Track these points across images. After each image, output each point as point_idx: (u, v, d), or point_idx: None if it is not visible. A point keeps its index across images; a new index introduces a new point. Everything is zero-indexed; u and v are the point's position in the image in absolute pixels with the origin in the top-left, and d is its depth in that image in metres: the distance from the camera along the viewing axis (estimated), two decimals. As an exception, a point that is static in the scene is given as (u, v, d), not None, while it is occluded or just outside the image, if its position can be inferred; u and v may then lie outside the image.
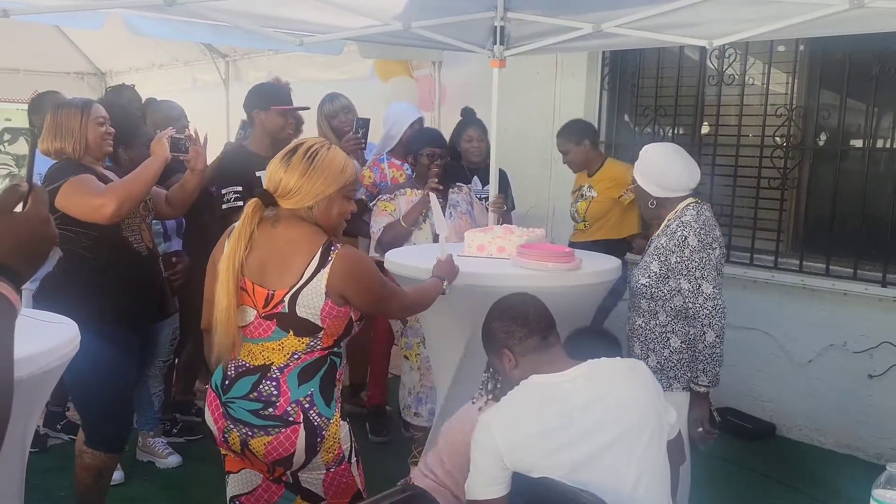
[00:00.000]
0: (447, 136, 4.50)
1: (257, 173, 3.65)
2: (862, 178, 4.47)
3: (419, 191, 3.96)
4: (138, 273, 3.23)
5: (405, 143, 4.41)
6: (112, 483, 3.49)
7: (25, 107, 4.75)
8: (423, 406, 4.05)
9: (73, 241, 3.04)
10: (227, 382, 2.30)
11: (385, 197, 4.01)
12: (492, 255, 3.15)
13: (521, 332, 2.22)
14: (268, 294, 2.21)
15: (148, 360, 3.70)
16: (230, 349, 2.24)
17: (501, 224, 4.25)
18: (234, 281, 2.20)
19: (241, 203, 3.54)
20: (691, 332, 2.80)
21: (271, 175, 2.23)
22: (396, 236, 3.85)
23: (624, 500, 2.00)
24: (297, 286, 2.19)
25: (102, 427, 3.16)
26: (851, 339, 4.42)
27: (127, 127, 3.39)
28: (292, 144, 2.28)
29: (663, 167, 2.90)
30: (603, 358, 2.19)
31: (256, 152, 3.71)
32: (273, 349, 2.25)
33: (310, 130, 4.48)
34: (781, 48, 4.73)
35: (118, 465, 3.73)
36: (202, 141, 3.37)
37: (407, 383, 4.03)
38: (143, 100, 4.71)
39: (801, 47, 4.66)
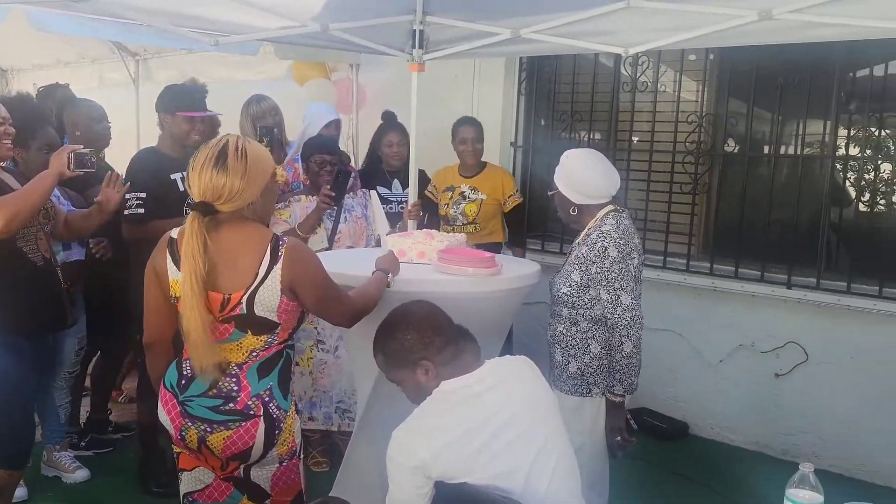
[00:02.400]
0: (368, 139, 4.47)
1: (171, 176, 3.54)
2: (768, 183, 4.63)
3: (314, 197, 3.94)
4: (34, 283, 3.09)
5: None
6: (14, 501, 3.33)
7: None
8: (317, 410, 4.03)
9: None
10: (183, 382, 2.31)
11: (280, 205, 3.96)
12: (412, 260, 3.13)
13: (439, 341, 2.21)
14: (223, 298, 2.22)
15: (51, 372, 3.54)
16: (214, 365, 2.23)
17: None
18: (203, 299, 2.17)
19: (140, 210, 3.44)
20: (611, 339, 2.84)
21: (208, 184, 2.18)
22: None
23: (541, 497, 2.02)
24: (253, 286, 2.21)
25: (2, 442, 3.01)
26: (759, 339, 4.57)
27: (23, 128, 3.22)
28: (213, 149, 2.22)
29: (584, 174, 2.92)
30: (503, 356, 2.26)
31: (169, 154, 3.61)
32: (231, 349, 2.29)
33: (233, 130, 4.37)
34: (692, 57, 4.87)
35: (21, 482, 3.57)
36: (118, 184, 3.28)
37: (296, 391, 3.96)
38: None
39: (711, 56, 4.80)
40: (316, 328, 3.97)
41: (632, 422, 2.89)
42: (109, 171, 3.44)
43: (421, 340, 2.19)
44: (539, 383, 2.23)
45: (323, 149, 4.03)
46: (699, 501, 4.00)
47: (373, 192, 3.55)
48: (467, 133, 4.59)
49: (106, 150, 4.41)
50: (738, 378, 4.68)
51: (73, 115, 4.24)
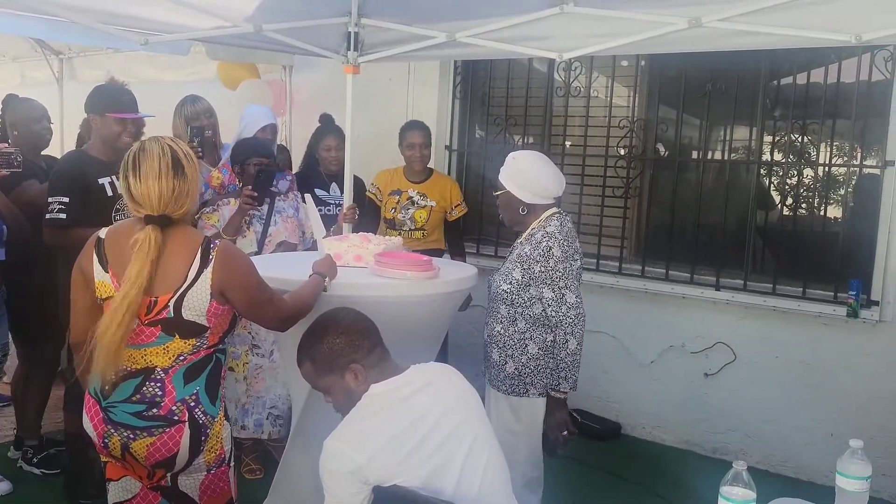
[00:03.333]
0: (301, 142, 4.42)
1: (100, 180, 3.43)
2: (697, 187, 4.75)
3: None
4: None
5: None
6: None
7: None
8: (248, 418, 3.97)
9: None
10: (106, 387, 2.24)
11: (208, 210, 3.91)
12: (349, 263, 3.10)
13: (368, 344, 2.22)
14: (150, 301, 2.17)
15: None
16: (112, 372, 2.15)
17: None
18: (132, 314, 2.12)
19: (62, 216, 3.33)
20: (549, 339, 2.86)
21: (170, 194, 2.15)
22: None
23: (471, 501, 2.04)
24: (182, 289, 2.17)
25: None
26: (689, 340, 4.68)
27: None
28: (164, 157, 2.16)
29: (535, 174, 2.95)
30: (426, 362, 2.30)
31: (97, 157, 3.50)
32: (157, 353, 2.23)
33: (165, 131, 4.27)
34: (624, 63, 4.95)
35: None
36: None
37: (230, 397, 3.88)
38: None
39: (643, 63, 4.89)
40: (250, 332, 3.91)
41: (576, 415, 2.92)
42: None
43: (350, 344, 2.19)
44: (464, 385, 2.25)
45: (260, 152, 3.98)
46: (633, 500, 4.07)
47: (308, 196, 3.51)
48: (415, 138, 4.57)
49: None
50: (668, 378, 4.78)
51: (12, 114, 4.09)
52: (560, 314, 2.81)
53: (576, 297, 2.83)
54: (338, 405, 2.25)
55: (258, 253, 3.88)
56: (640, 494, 4.11)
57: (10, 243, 3.71)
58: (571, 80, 5.11)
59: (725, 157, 4.70)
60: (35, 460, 4.03)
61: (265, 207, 3.98)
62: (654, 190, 5.00)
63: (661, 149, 4.99)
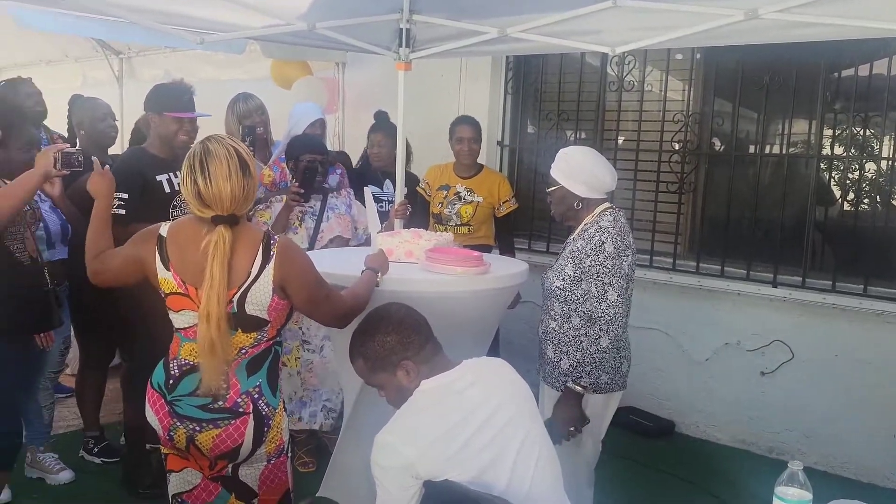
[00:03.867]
0: (353, 138, 4.45)
1: (157, 177, 3.51)
2: (754, 182, 4.66)
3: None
4: (20, 283, 3.06)
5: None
6: (-2, 503, 3.30)
7: None
8: (305, 410, 4.02)
9: None
10: (171, 382, 2.30)
11: (261, 207, 3.96)
12: (400, 259, 3.12)
13: (419, 341, 2.21)
14: None
15: (35, 372, 3.49)
16: (220, 380, 2.22)
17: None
18: (224, 322, 2.16)
19: (121, 212, 3.40)
20: (591, 332, 2.85)
21: (239, 193, 2.18)
22: None
23: (523, 496, 2.03)
24: (245, 285, 2.21)
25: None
26: (745, 337, 4.59)
27: (4, 127, 3.16)
28: (230, 158, 2.19)
29: (591, 168, 2.93)
30: (479, 357, 2.29)
31: (155, 154, 3.57)
32: None
33: (217, 128, 4.35)
34: (679, 56, 4.88)
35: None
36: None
37: (285, 390, 3.95)
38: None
39: (698, 56, 4.82)
40: (301, 328, 3.96)
41: (586, 414, 2.88)
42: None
43: (401, 341, 2.20)
44: (517, 380, 2.24)
45: (312, 149, 4.02)
46: (686, 499, 4.02)
47: (367, 191, 3.55)
48: (464, 132, 4.57)
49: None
50: (723, 376, 4.70)
51: (78, 114, 4.22)
52: (599, 310, 2.79)
53: (618, 295, 2.79)
54: (390, 400, 2.26)
55: (310, 249, 3.92)
56: (693, 493, 4.06)
57: (74, 242, 3.83)
58: (625, 74, 5.06)
59: (783, 152, 4.60)
60: (95, 450, 4.14)
61: (318, 204, 4.03)
62: (710, 185, 4.92)
63: (717, 143, 4.90)
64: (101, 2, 3.37)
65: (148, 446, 3.61)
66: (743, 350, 4.61)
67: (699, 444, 4.75)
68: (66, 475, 3.88)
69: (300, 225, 3.99)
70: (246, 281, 2.21)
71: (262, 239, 2.25)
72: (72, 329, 4.16)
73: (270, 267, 2.22)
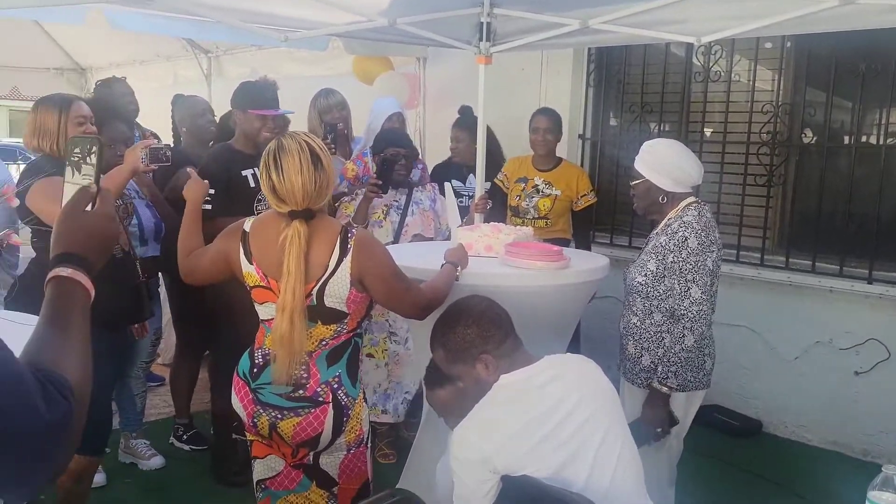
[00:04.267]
0: (434, 133, 4.47)
1: (243, 172, 3.59)
2: (848, 174, 4.48)
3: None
4: (112, 275, 3.15)
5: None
6: (93, 486, 3.43)
7: (5, 103, 4.67)
8: (388, 402, 4.06)
9: (47, 240, 2.99)
10: (255, 370, 2.39)
11: (346, 199, 4.03)
12: (479, 253, 3.11)
13: (500, 335, 2.19)
14: None
15: (128, 362, 3.62)
16: (292, 370, 2.28)
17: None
18: (302, 315, 2.23)
19: (208, 207, 3.49)
20: (675, 330, 2.79)
21: (311, 187, 2.22)
22: None
23: (602, 494, 2.00)
24: (324, 278, 2.26)
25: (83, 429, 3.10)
26: (837, 336, 4.43)
27: (98, 126, 3.28)
28: (302, 152, 2.24)
29: (678, 160, 2.88)
30: (561, 353, 2.26)
31: (241, 150, 3.66)
32: None
33: (300, 124, 4.43)
34: (768, 45, 4.73)
35: (100, 468, 3.68)
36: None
37: (371, 383, 4.00)
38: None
39: (788, 44, 4.66)
40: (388, 320, 4.00)
41: (675, 415, 2.82)
42: (157, 139, 3.46)
43: (481, 334, 2.18)
44: (599, 377, 2.20)
45: (395, 142, 4.06)
46: (773, 500, 3.91)
47: (447, 185, 3.57)
48: (540, 123, 4.52)
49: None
50: (815, 375, 4.54)
51: (179, 111, 4.39)
52: (682, 308, 2.73)
53: (702, 292, 2.72)
54: (469, 392, 2.26)
55: (394, 243, 3.96)
56: (782, 495, 3.94)
57: (168, 238, 3.96)
58: (711, 64, 4.93)
59: (880, 142, 4.41)
60: (185, 437, 4.28)
61: (403, 198, 4.06)
62: (800, 177, 4.75)
63: (809, 134, 4.73)
64: (188, 2, 3.47)
65: (234, 436, 3.71)
66: (835, 349, 4.44)
67: (787, 445, 4.61)
68: (157, 461, 4.02)
69: (385, 219, 4.03)
70: (324, 274, 2.25)
71: (340, 232, 2.29)
72: (162, 320, 4.31)
73: (348, 260, 2.26)
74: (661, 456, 2.90)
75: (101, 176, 1.35)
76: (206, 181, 2.91)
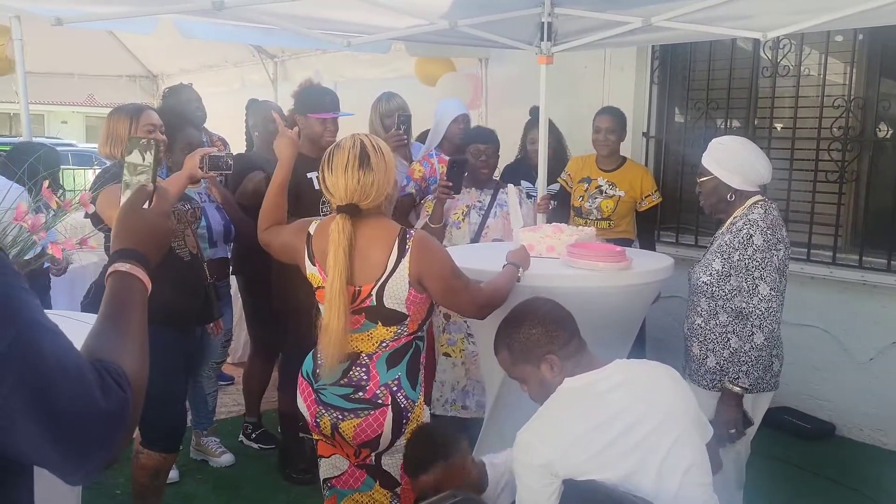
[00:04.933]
0: (500, 134, 4.47)
1: (308, 175, 3.66)
2: (925, 170, 4.33)
3: (468, 190, 4.03)
4: (181, 277, 3.25)
5: (450, 139, 4.44)
6: (168, 482, 3.54)
7: (81, 109, 4.85)
8: (470, 399, 4.08)
9: None
10: (317, 371, 2.43)
11: (430, 197, 4.05)
12: (541, 254, 3.11)
13: (565, 336, 2.18)
14: (354, 290, 2.32)
15: (199, 362, 3.72)
16: (339, 358, 2.32)
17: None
18: (345, 305, 2.27)
19: None
20: (744, 329, 2.74)
21: (356, 185, 2.27)
22: None
23: (671, 496, 1.97)
24: (383, 279, 2.29)
25: (156, 427, 3.20)
26: (915, 336, 4.28)
27: (169, 133, 3.37)
28: (353, 150, 2.29)
29: (748, 157, 2.84)
30: (629, 359, 2.24)
31: (305, 154, 3.72)
32: (362, 339, 2.37)
33: (361, 126, 4.48)
34: (839, 38, 4.60)
35: (174, 465, 3.79)
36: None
37: (448, 380, 4.04)
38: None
39: (860, 37, 4.52)
40: (465, 321, 4.01)
41: (749, 415, 2.77)
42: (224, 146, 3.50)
43: (547, 334, 2.17)
44: (670, 384, 2.14)
45: (478, 139, 4.09)
46: (847, 506, 3.81)
47: (510, 187, 3.58)
48: (602, 122, 4.47)
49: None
50: (890, 377, 4.39)
51: (253, 116, 4.51)
52: (751, 305, 2.68)
53: (771, 289, 2.67)
54: (533, 394, 2.25)
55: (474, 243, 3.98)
56: (855, 500, 3.82)
57: (240, 241, 4.06)
58: (779, 58, 4.81)
59: (958, 136, 4.26)
60: (253, 436, 4.37)
61: (487, 199, 4.07)
62: (874, 173, 4.61)
63: (883, 128, 4.59)
64: (255, 10, 3.55)
65: (301, 435, 3.78)
66: (912, 350, 4.30)
67: (862, 449, 4.47)
68: (227, 458, 4.12)
69: (464, 220, 4.03)
70: (382, 275, 2.29)
71: (399, 233, 2.32)
72: (233, 321, 4.40)
73: (406, 260, 2.29)
74: (729, 458, 2.85)
75: (158, 176, 1.41)
76: (296, 138, 2.88)
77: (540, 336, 2.18)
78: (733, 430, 2.74)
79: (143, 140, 1.42)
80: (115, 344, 1.18)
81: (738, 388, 2.72)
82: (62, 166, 5.94)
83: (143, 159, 1.40)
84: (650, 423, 2.02)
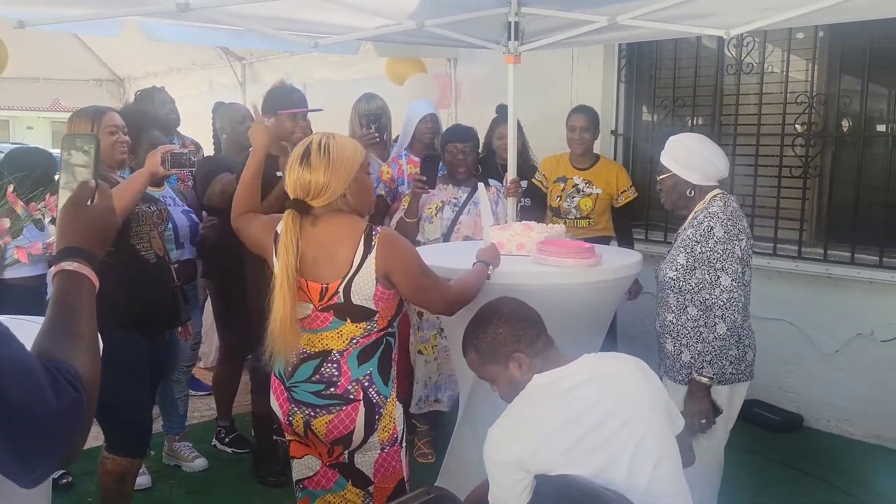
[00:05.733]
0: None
1: (277, 174, 3.65)
2: (886, 163, 4.41)
3: (444, 185, 4.10)
4: (147, 280, 3.22)
5: (419, 139, 4.46)
6: (139, 487, 3.50)
7: (47, 115, 4.79)
8: (442, 393, 4.11)
9: None
10: (290, 369, 2.43)
11: (406, 192, 4.08)
12: (511, 252, 3.13)
13: (532, 334, 2.19)
14: (322, 288, 2.33)
15: (168, 366, 3.68)
16: (291, 352, 2.35)
17: (520, 205, 4.28)
18: (291, 294, 2.29)
19: None
20: (707, 320, 2.78)
21: (297, 181, 2.31)
22: (405, 231, 3.89)
23: (640, 495, 1.99)
24: (349, 275, 2.30)
25: (120, 432, 3.17)
26: (879, 327, 4.36)
27: (132, 134, 3.33)
28: (300, 148, 2.34)
29: (705, 153, 2.88)
30: (597, 352, 2.23)
31: (272, 154, 3.71)
32: (332, 337, 2.37)
33: (341, 127, 4.48)
34: (801, 35, 4.67)
35: (145, 470, 3.76)
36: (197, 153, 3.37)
37: (422, 377, 4.07)
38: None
39: (821, 33, 4.59)
40: (438, 317, 4.02)
41: (718, 405, 2.80)
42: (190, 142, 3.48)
43: (513, 333, 2.18)
44: (641, 378, 2.14)
45: (456, 137, 4.11)
46: (816, 496, 3.85)
47: (481, 184, 3.61)
48: (576, 121, 4.50)
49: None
50: (856, 369, 4.48)
51: (220, 119, 4.47)
52: (713, 297, 2.73)
53: (732, 280, 2.72)
54: (503, 394, 2.26)
55: (445, 241, 3.99)
56: (825, 490, 3.89)
57: (207, 244, 4.03)
58: (743, 56, 4.88)
59: (918, 130, 4.34)
60: (227, 440, 4.34)
61: (465, 195, 4.09)
62: (837, 168, 4.68)
63: (846, 124, 4.66)
64: (221, 12, 3.53)
65: (275, 437, 3.77)
66: (877, 341, 4.37)
67: (830, 439, 4.55)
68: (200, 463, 4.09)
69: (437, 214, 4.06)
70: (349, 272, 2.30)
71: (364, 230, 2.33)
72: (205, 325, 4.37)
73: (372, 257, 2.30)
74: (703, 447, 2.86)
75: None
76: (268, 127, 2.94)
77: (507, 335, 2.18)
78: (703, 420, 2.78)
79: (79, 137, 1.39)
80: (65, 344, 1.18)
81: (705, 379, 2.76)
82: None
83: (84, 155, 1.37)
84: (618, 418, 2.03)
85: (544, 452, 1.99)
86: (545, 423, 2.04)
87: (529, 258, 3.05)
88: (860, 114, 4.50)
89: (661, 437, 2.07)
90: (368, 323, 2.36)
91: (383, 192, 4.26)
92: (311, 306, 2.35)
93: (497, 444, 2.05)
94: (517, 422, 2.09)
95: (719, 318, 2.72)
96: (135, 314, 3.16)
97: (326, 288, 2.32)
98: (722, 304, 2.72)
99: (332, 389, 2.36)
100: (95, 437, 4.20)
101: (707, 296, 2.75)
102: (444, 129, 4.77)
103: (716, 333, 2.73)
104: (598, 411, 2.03)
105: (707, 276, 2.75)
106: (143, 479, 3.71)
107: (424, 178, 3.88)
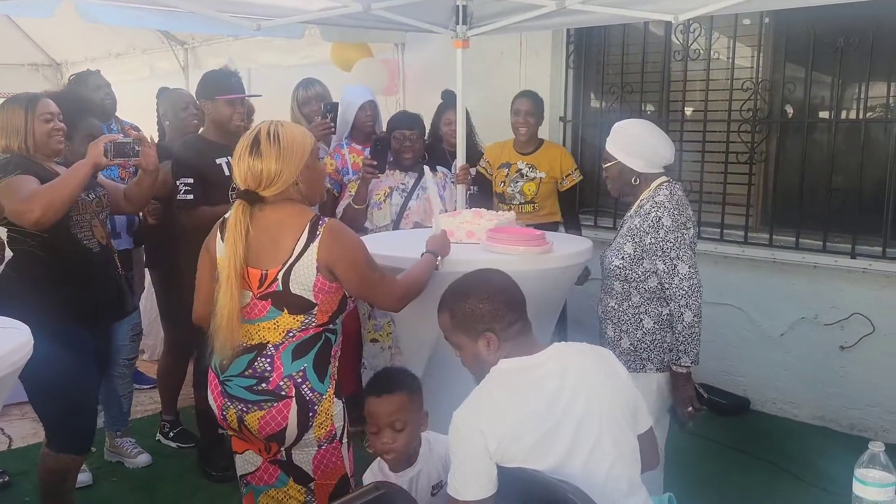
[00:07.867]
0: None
1: (217, 160, 3.55)
2: (829, 149, 4.47)
3: (392, 171, 4.04)
4: (90, 270, 3.12)
5: (359, 128, 4.39)
6: (79, 485, 3.41)
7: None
8: None
9: (21, 240, 2.96)
10: (224, 362, 2.34)
11: (354, 177, 4.02)
12: (461, 240, 3.09)
13: (510, 317, 2.11)
14: (261, 274, 2.27)
15: (110, 360, 3.57)
16: (231, 350, 2.27)
17: (470, 193, 4.25)
18: (237, 286, 2.23)
19: (190, 196, 3.46)
20: (664, 313, 2.78)
21: (247, 171, 2.25)
22: (353, 218, 3.83)
23: (598, 488, 1.96)
24: (289, 263, 2.24)
25: (64, 429, 3.07)
26: (822, 311, 4.43)
27: (67, 121, 3.22)
28: (249, 137, 2.28)
29: (649, 140, 2.86)
30: (569, 342, 2.18)
31: (213, 140, 3.62)
32: (268, 328, 2.30)
33: (283, 115, 4.38)
34: (746, 21, 4.71)
35: (85, 468, 3.65)
36: (150, 142, 3.24)
37: (379, 366, 3.99)
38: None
39: (766, 20, 4.64)
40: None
41: (701, 391, 2.82)
42: (138, 132, 3.38)
43: (493, 312, 2.10)
44: (608, 374, 2.11)
45: (403, 124, 4.06)
46: (762, 477, 3.91)
47: (427, 170, 3.55)
48: (521, 105, 4.47)
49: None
50: (800, 351, 4.55)
51: (163, 105, 4.34)
52: (673, 286, 2.72)
53: (689, 267, 2.72)
54: (465, 362, 2.20)
55: (395, 228, 3.93)
56: (771, 472, 3.95)
57: (151, 234, 3.92)
58: (690, 42, 4.90)
59: (860, 117, 4.40)
60: (171, 434, 4.24)
61: (412, 181, 4.04)
62: (782, 154, 4.74)
63: (790, 110, 4.72)
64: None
65: (220, 431, 3.68)
66: (820, 324, 4.45)
67: (776, 422, 4.62)
68: (143, 459, 3.99)
69: (385, 201, 4.00)
70: (289, 259, 2.24)
71: (311, 219, 2.27)
72: (149, 317, 4.25)
73: (315, 245, 2.24)
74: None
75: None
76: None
77: (485, 312, 2.10)
78: (690, 409, 2.78)
79: None
80: None
81: (684, 368, 2.76)
82: None
83: None
84: (581, 414, 1.99)
85: (508, 444, 1.93)
86: (511, 413, 1.97)
87: (479, 246, 3.01)
88: (804, 100, 4.55)
89: (621, 437, 2.03)
90: (306, 316, 2.29)
91: (329, 186, 4.18)
92: (251, 294, 2.28)
93: (460, 428, 1.98)
94: (483, 408, 2.01)
95: (684, 306, 2.71)
96: (80, 306, 3.06)
97: (266, 274, 2.25)
98: (684, 292, 2.71)
99: (263, 385, 2.29)
100: (34, 435, 4.09)
101: (666, 285, 2.74)
102: (387, 115, 4.71)
103: (683, 322, 2.72)
104: (563, 405, 1.98)
105: (662, 266, 2.73)
106: (83, 477, 3.60)
107: (375, 163, 3.83)
